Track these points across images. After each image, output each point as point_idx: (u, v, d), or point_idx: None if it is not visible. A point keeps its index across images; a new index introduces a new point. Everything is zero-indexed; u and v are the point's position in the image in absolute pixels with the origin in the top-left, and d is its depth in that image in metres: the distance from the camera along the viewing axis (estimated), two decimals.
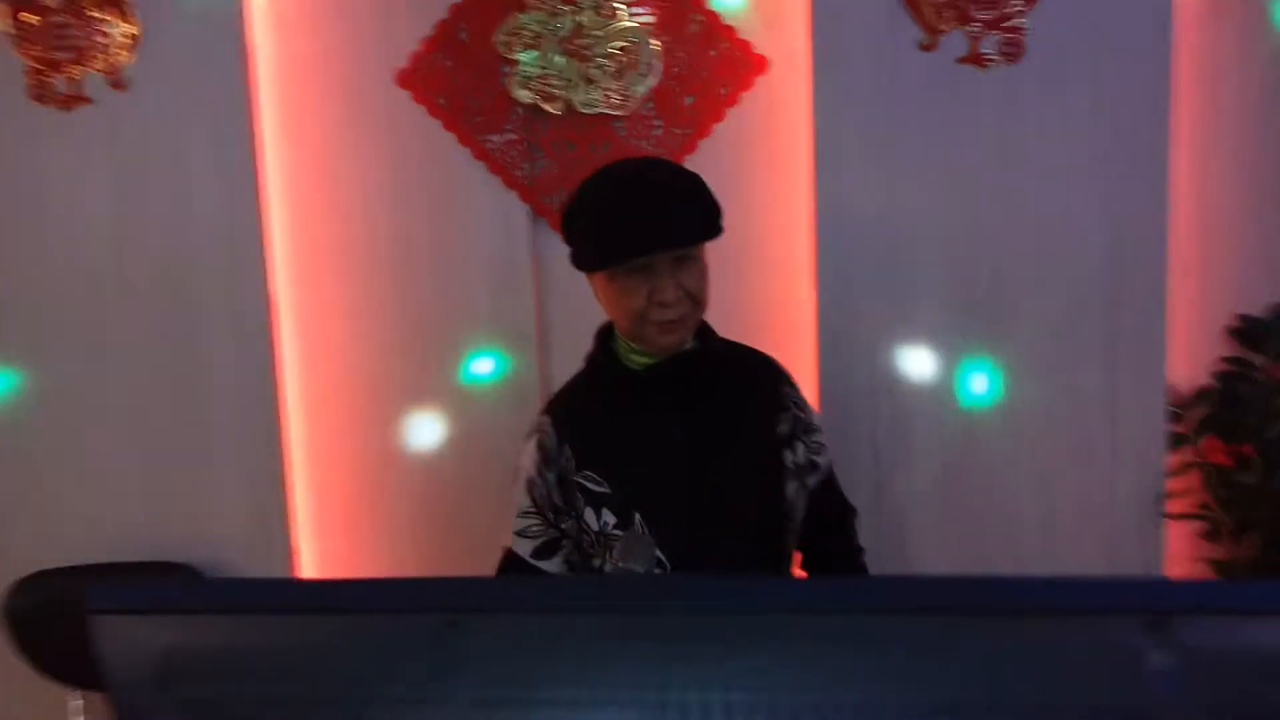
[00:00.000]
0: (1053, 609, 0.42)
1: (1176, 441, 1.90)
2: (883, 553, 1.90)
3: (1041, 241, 1.85)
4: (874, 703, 0.43)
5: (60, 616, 1.63)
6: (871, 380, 1.89)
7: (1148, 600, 0.42)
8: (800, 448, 1.38)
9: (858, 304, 1.88)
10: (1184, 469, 1.88)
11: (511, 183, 1.96)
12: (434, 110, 1.96)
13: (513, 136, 1.96)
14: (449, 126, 1.96)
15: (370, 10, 1.92)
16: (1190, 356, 1.94)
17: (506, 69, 1.93)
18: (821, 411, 1.89)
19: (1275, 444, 1.83)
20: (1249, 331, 1.92)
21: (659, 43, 1.92)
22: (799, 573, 1.45)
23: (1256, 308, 1.92)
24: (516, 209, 1.96)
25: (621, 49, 1.93)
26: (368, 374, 1.99)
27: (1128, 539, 1.87)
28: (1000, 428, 1.89)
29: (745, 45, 1.94)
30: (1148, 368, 1.86)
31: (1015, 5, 1.81)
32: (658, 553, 1.23)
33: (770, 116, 1.95)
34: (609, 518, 1.28)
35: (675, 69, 1.95)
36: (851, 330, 1.88)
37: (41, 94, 1.86)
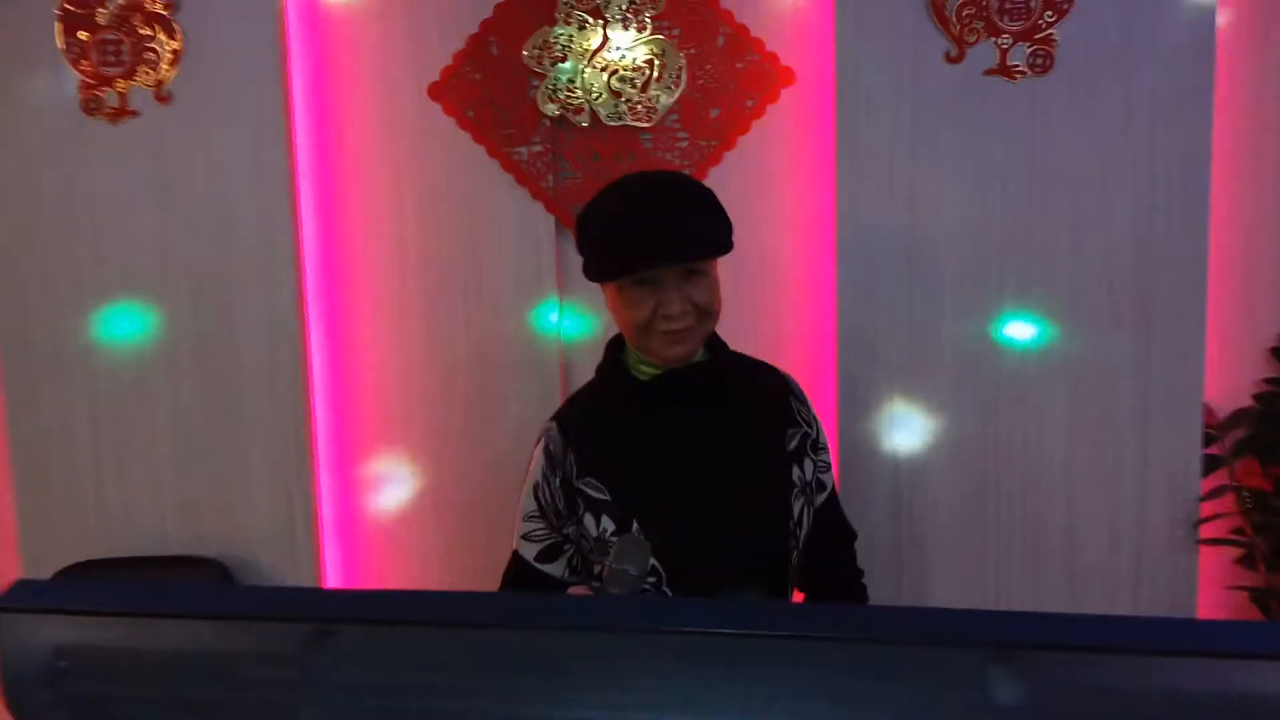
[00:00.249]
0: (902, 638, 0.42)
1: (1212, 464, 1.83)
2: (902, 572, 1.88)
3: (1071, 257, 1.81)
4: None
5: None
6: (892, 394, 1.87)
7: (995, 631, 0.42)
8: (809, 465, 1.37)
9: (879, 317, 1.86)
10: (1219, 492, 1.81)
11: (538, 194, 1.99)
12: (463, 122, 2.00)
13: (540, 148, 1.99)
14: (478, 138, 2.00)
15: (404, 25, 1.97)
16: (1230, 377, 1.87)
17: (535, 82, 1.96)
18: (840, 425, 1.88)
19: None
20: None
21: (685, 55, 1.93)
22: (797, 594, 1.44)
23: None
24: (542, 219, 1.99)
25: (648, 61, 1.94)
26: (396, 379, 2.04)
27: (1159, 564, 1.82)
28: (1026, 446, 1.85)
29: (773, 57, 1.94)
30: (1183, 387, 1.80)
31: (1046, 16, 1.77)
32: (654, 561, 1.23)
33: (796, 129, 1.95)
34: (608, 524, 1.29)
35: (701, 81, 1.95)
36: (872, 343, 1.86)
37: (93, 107, 1.95)
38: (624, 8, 1.93)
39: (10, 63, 1.96)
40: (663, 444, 1.31)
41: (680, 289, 1.23)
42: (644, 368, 1.33)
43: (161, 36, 1.92)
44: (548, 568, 1.35)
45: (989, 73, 1.80)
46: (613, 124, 1.96)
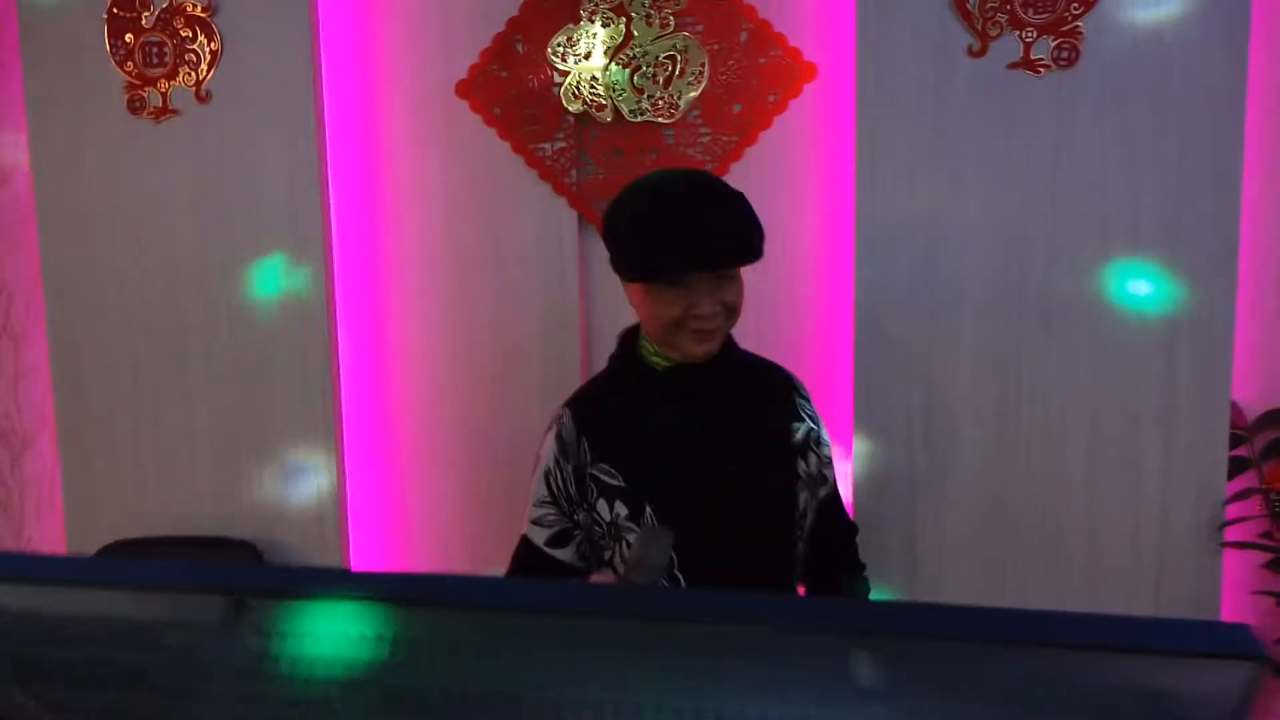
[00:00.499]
0: (770, 624, 0.43)
1: (1240, 466, 1.79)
2: (918, 573, 1.87)
3: (1095, 253, 1.77)
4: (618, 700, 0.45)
5: None
6: (909, 393, 1.86)
7: (860, 620, 0.43)
8: (813, 458, 1.39)
9: (897, 314, 1.85)
10: (1245, 495, 1.77)
11: (561, 189, 2.02)
12: (489, 119, 2.04)
13: (563, 145, 2.01)
14: (503, 135, 2.03)
15: (432, 24, 2.02)
16: (1262, 378, 1.82)
17: (559, 79, 1.99)
18: (857, 423, 1.87)
19: None
20: None
21: (708, 51, 1.94)
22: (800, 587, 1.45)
23: None
24: (565, 215, 2.02)
25: (670, 58, 1.96)
26: (422, 369, 2.10)
27: (1182, 567, 1.78)
28: (1047, 446, 1.82)
29: (796, 53, 1.94)
30: (1210, 387, 1.75)
31: (1073, 9, 1.74)
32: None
33: (818, 124, 1.94)
34: (621, 509, 1.31)
35: (724, 77, 1.96)
36: (890, 341, 1.86)
37: (137, 106, 2.03)
38: (647, 5, 1.94)
39: (61, 64, 2.06)
40: (675, 433, 1.34)
41: (712, 291, 1.26)
42: (657, 359, 1.36)
43: (201, 38, 1.99)
44: (558, 553, 1.37)
45: (1012, 67, 1.78)
46: (635, 120, 1.98)
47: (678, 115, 1.97)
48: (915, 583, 1.87)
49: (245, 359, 2.06)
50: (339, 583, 0.48)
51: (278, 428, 2.05)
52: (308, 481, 2.05)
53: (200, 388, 2.08)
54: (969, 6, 1.78)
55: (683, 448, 1.32)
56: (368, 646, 0.47)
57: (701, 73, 1.95)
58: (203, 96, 2.01)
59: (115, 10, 2.02)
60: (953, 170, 1.81)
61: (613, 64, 1.97)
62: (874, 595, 1.66)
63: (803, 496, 1.36)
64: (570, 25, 1.97)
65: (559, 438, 1.37)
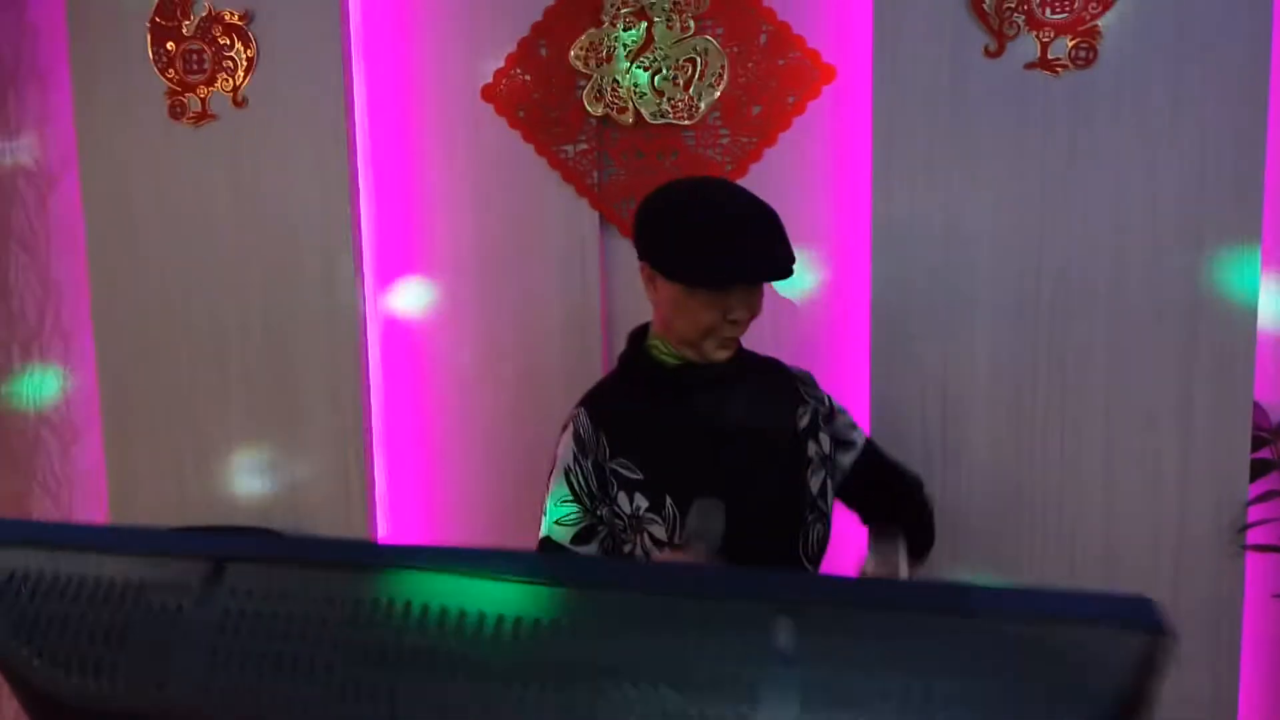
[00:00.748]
0: (699, 593, 0.47)
1: (1263, 468, 1.77)
2: (932, 573, 1.88)
3: (1114, 253, 1.77)
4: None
5: None
6: (924, 393, 1.87)
7: (781, 590, 0.46)
8: (824, 438, 1.44)
9: (913, 314, 1.86)
10: (1268, 497, 1.75)
11: (583, 191, 2.06)
12: (514, 122, 2.08)
13: (585, 147, 2.06)
14: (527, 137, 2.08)
15: (459, 30, 2.07)
16: None
17: (581, 82, 2.03)
18: (873, 425, 1.89)
19: None
20: None
21: (728, 53, 1.97)
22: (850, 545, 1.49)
23: None
24: (588, 215, 2.06)
25: (690, 61, 1.99)
26: (448, 364, 2.15)
27: (1202, 570, 1.76)
28: (1064, 448, 1.82)
29: (815, 55, 1.96)
30: (1231, 387, 1.74)
31: (1091, 8, 1.74)
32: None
33: (837, 125, 1.96)
34: (641, 501, 1.36)
35: (743, 79, 1.99)
36: (906, 340, 1.87)
37: (178, 112, 2.12)
38: (668, 8, 1.98)
39: (107, 72, 2.15)
40: (688, 426, 1.39)
41: (744, 300, 1.34)
42: (667, 357, 1.41)
43: (238, 45, 2.07)
44: (583, 549, 1.41)
45: (1029, 67, 1.78)
46: (656, 122, 2.01)
47: (698, 117, 2.00)
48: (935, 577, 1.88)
49: (279, 355, 2.13)
50: (307, 549, 0.52)
51: (309, 422, 2.12)
52: (337, 474, 2.11)
53: (236, 384, 2.16)
54: (985, 7, 1.78)
55: (695, 439, 1.37)
56: (332, 607, 0.51)
57: (721, 75, 1.98)
58: (239, 102, 2.09)
59: (158, 19, 2.10)
60: (969, 171, 1.82)
61: (634, 67, 2.00)
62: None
63: (817, 478, 1.42)
64: (592, 29, 2.01)
65: (576, 436, 1.42)
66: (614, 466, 1.39)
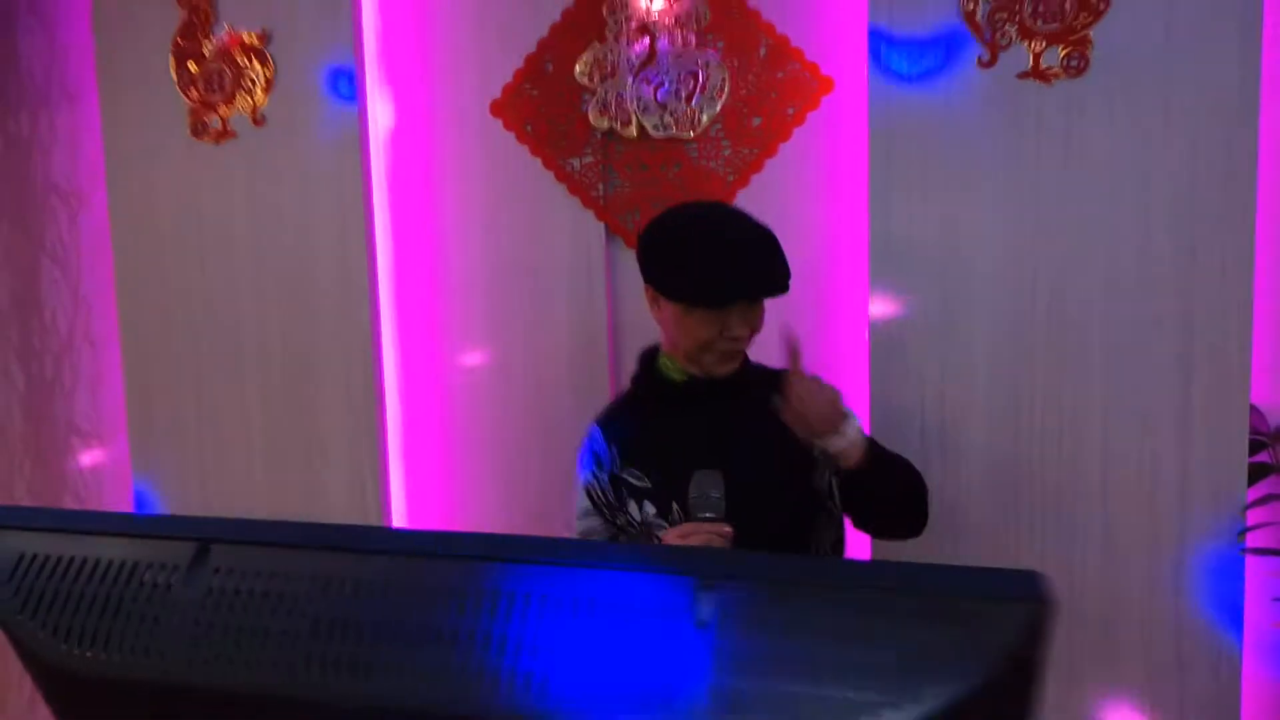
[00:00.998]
0: (612, 566, 0.52)
1: (1262, 472, 1.78)
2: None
3: (1109, 259, 1.79)
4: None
5: None
6: (923, 399, 1.90)
7: (699, 566, 0.51)
8: None
9: (911, 322, 1.89)
10: (1266, 500, 1.76)
11: (589, 203, 2.12)
12: (522, 137, 2.14)
13: (591, 160, 2.11)
14: (535, 151, 2.14)
15: (468, 48, 2.14)
16: None
17: (586, 96, 2.09)
18: (873, 429, 1.92)
19: None
20: None
21: (729, 66, 2.02)
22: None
23: None
24: (593, 226, 2.11)
25: (692, 74, 2.04)
26: (460, 371, 2.21)
27: (1201, 573, 1.78)
28: (1061, 454, 1.84)
29: (813, 67, 2.00)
30: (1227, 392, 1.75)
31: (1082, 18, 1.77)
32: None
33: (836, 135, 2.00)
34: (650, 508, 1.44)
35: (744, 91, 2.03)
36: (904, 348, 1.90)
37: (199, 130, 2.20)
38: (670, 24, 2.03)
39: (132, 92, 2.24)
40: (693, 437, 1.45)
41: (743, 316, 1.41)
42: (675, 374, 1.49)
43: (256, 66, 2.15)
44: None
45: (1022, 76, 1.81)
46: (659, 135, 2.06)
47: (700, 129, 2.05)
48: None
49: (296, 367, 2.20)
50: (282, 533, 0.58)
51: (326, 431, 2.19)
52: (353, 482, 2.18)
53: (255, 394, 2.23)
54: (978, 18, 1.82)
55: (700, 449, 1.42)
56: (303, 584, 0.56)
57: (722, 88, 2.03)
58: (258, 120, 2.17)
59: (180, 42, 2.19)
60: (964, 179, 1.85)
61: (637, 81, 2.06)
62: None
63: (822, 480, 1.47)
64: (596, 45, 2.07)
65: (592, 453, 1.52)
66: (624, 476, 1.47)
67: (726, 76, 2.03)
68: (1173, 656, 1.80)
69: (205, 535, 0.58)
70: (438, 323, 2.22)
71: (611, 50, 2.06)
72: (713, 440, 1.43)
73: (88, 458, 2.48)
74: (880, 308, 1.91)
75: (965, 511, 1.89)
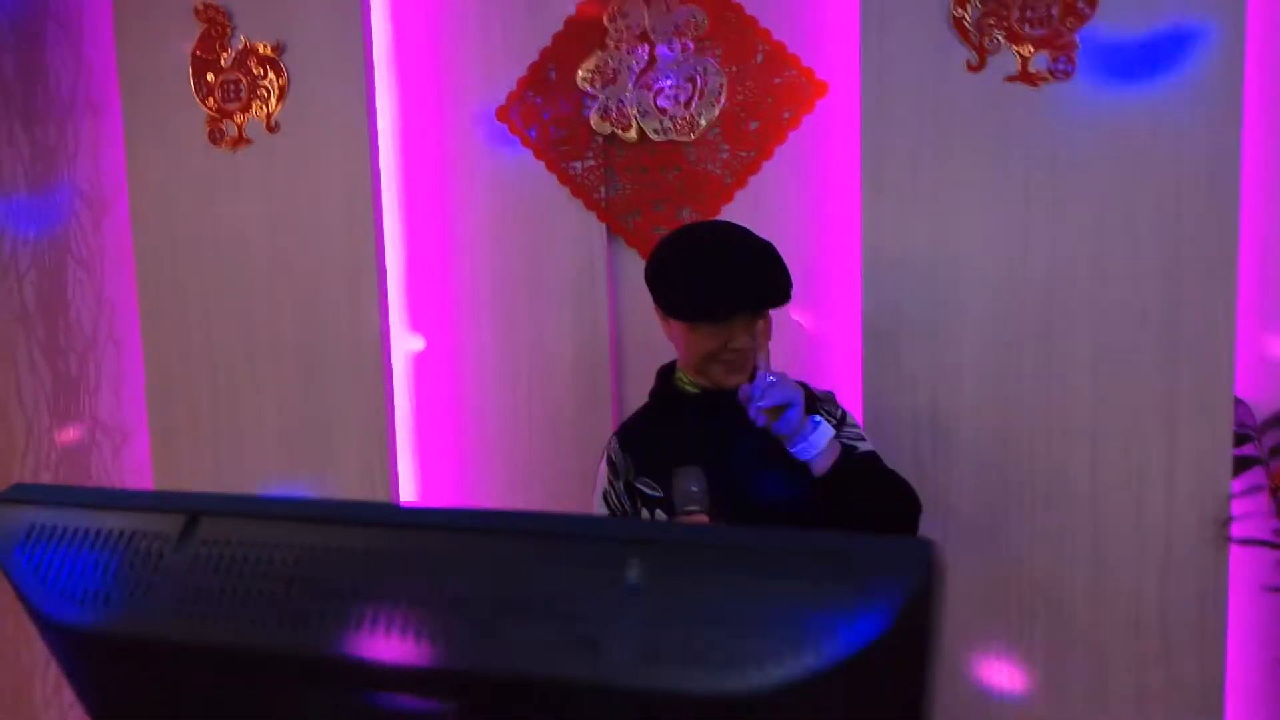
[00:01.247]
0: (555, 535, 0.57)
1: (1247, 464, 1.81)
2: None
3: (1096, 258, 1.83)
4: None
5: None
6: (914, 396, 1.94)
7: (630, 532, 0.57)
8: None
9: (902, 321, 1.94)
10: (1252, 491, 1.79)
11: (591, 205, 2.18)
12: (525, 141, 2.21)
13: (593, 163, 2.17)
14: (539, 155, 2.20)
15: (474, 57, 2.21)
16: (1273, 380, 1.84)
17: (588, 102, 2.15)
18: (865, 428, 1.96)
19: None
20: None
21: (726, 72, 2.07)
22: None
23: None
24: (596, 228, 2.17)
25: (691, 80, 2.09)
26: (466, 368, 2.28)
27: (1187, 564, 1.81)
28: (1049, 447, 1.88)
29: (809, 72, 2.05)
30: (1211, 388, 1.79)
31: (1068, 22, 1.81)
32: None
33: (830, 138, 2.05)
34: (662, 517, 1.50)
35: (741, 96, 2.09)
36: (895, 346, 1.94)
37: (217, 137, 2.28)
38: (669, 31, 2.09)
39: (152, 102, 2.33)
40: (704, 446, 1.49)
41: (746, 328, 1.47)
42: (690, 387, 1.56)
43: (271, 75, 2.23)
44: None
45: (1010, 80, 1.85)
46: (659, 139, 2.12)
47: (698, 133, 2.10)
48: None
49: (309, 366, 2.28)
50: (263, 506, 0.64)
51: (337, 426, 2.27)
52: (363, 480, 2.26)
53: (270, 392, 2.31)
54: (966, 24, 1.86)
55: (711, 458, 1.46)
56: (281, 551, 0.62)
57: (720, 93, 2.09)
58: (272, 127, 2.25)
59: (198, 53, 2.28)
60: (954, 181, 1.89)
61: (637, 87, 2.11)
62: None
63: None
64: (598, 52, 2.13)
65: (609, 461, 1.59)
66: (638, 485, 1.53)
67: (724, 82, 2.08)
68: (1159, 644, 1.83)
69: (194, 508, 0.65)
70: (446, 322, 2.29)
71: (613, 57, 2.12)
72: (722, 451, 1.48)
73: (112, 452, 2.58)
74: (872, 306, 1.96)
75: (954, 505, 1.94)
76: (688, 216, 2.12)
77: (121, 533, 0.65)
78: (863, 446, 1.55)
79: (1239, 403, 1.82)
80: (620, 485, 1.55)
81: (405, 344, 2.32)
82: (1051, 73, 1.83)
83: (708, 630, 0.55)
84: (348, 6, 2.19)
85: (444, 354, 2.30)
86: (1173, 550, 1.82)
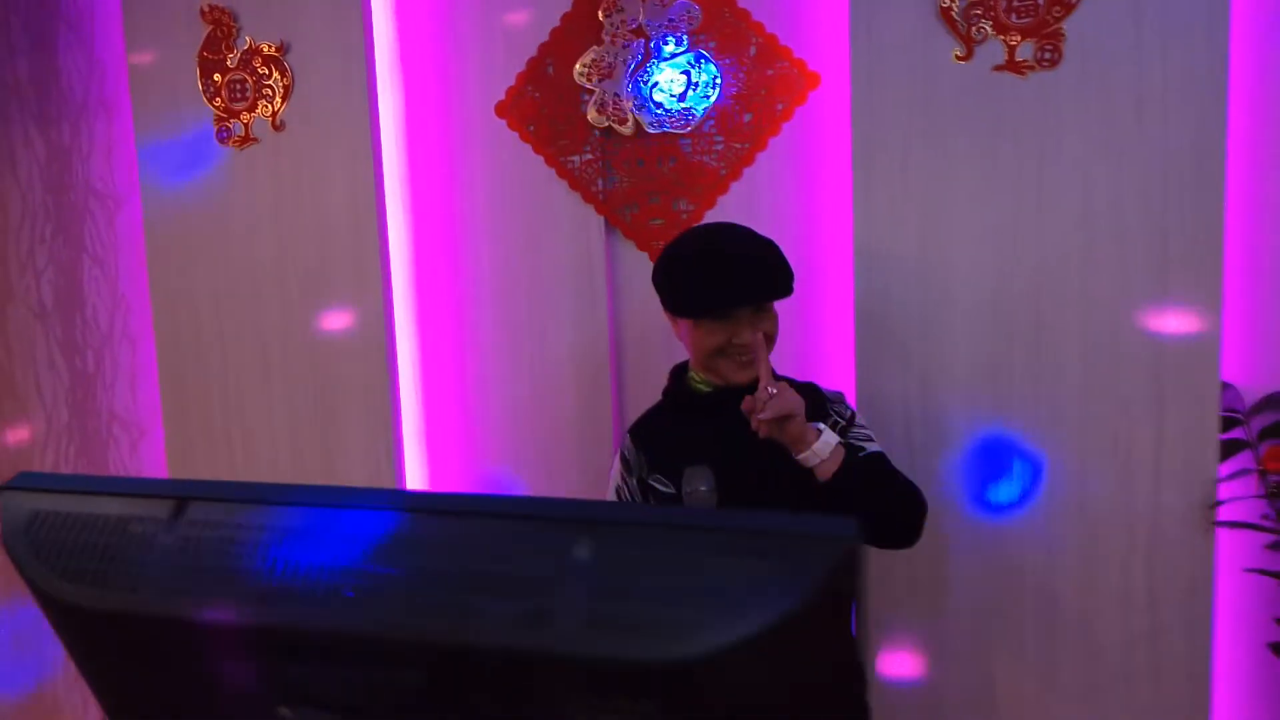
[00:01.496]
0: (510, 516, 0.62)
1: (1235, 448, 1.83)
2: (917, 560, 1.98)
3: (1083, 243, 1.85)
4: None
5: None
6: (906, 381, 1.98)
7: (577, 513, 0.61)
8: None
9: (893, 309, 1.97)
10: (1239, 474, 1.81)
11: (589, 198, 2.22)
12: (525, 136, 2.25)
13: (590, 157, 2.21)
14: (537, 150, 2.25)
15: (473, 54, 2.25)
16: (1261, 363, 1.86)
17: (585, 97, 2.19)
18: (859, 409, 2.00)
19: None
20: None
21: (720, 65, 2.11)
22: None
23: None
24: (594, 220, 2.22)
25: (685, 73, 2.13)
26: (468, 362, 2.33)
27: (1174, 546, 1.84)
28: (1037, 431, 1.91)
29: (801, 64, 2.08)
30: (1198, 372, 1.81)
31: (1054, 11, 1.83)
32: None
33: (822, 129, 2.08)
34: None
35: (735, 89, 2.12)
36: (888, 332, 1.97)
37: (224, 136, 2.34)
38: (663, 26, 2.12)
39: (162, 102, 2.39)
40: (716, 445, 1.53)
41: (751, 322, 1.50)
42: (702, 386, 1.59)
43: (276, 74, 2.28)
44: None
45: (997, 69, 1.87)
46: (654, 132, 2.16)
47: (693, 126, 2.14)
48: (914, 571, 1.99)
49: (316, 359, 2.34)
50: (242, 492, 0.69)
51: (344, 419, 2.33)
52: (370, 472, 2.31)
53: (278, 387, 2.37)
54: (954, 14, 1.89)
55: (722, 459, 1.51)
56: (262, 533, 0.67)
57: (714, 86, 2.12)
58: (278, 125, 2.30)
59: (205, 54, 2.33)
60: (944, 169, 1.92)
61: (633, 81, 2.15)
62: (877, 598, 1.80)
63: None
64: (594, 47, 2.17)
65: (623, 458, 1.63)
66: (651, 481, 1.57)
67: (718, 75, 2.11)
68: (1147, 626, 1.87)
69: (182, 494, 0.70)
70: (449, 314, 2.34)
71: (609, 52, 2.16)
72: (729, 446, 1.51)
73: (129, 446, 2.65)
74: (864, 294, 1.99)
75: (944, 487, 1.97)
76: (684, 208, 2.16)
77: (116, 518, 0.70)
78: (870, 447, 1.56)
79: (1227, 387, 1.84)
80: (634, 482, 1.60)
81: (410, 336, 2.37)
82: (1038, 62, 1.85)
83: (648, 602, 0.60)
84: (349, 6, 2.24)
85: (448, 345, 2.35)
86: (1161, 534, 1.85)
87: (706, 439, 1.54)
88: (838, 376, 2.07)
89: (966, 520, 1.96)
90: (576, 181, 2.22)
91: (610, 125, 2.17)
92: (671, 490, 1.54)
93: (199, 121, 2.36)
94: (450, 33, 2.27)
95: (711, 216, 2.12)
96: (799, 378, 1.64)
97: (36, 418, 2.60)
